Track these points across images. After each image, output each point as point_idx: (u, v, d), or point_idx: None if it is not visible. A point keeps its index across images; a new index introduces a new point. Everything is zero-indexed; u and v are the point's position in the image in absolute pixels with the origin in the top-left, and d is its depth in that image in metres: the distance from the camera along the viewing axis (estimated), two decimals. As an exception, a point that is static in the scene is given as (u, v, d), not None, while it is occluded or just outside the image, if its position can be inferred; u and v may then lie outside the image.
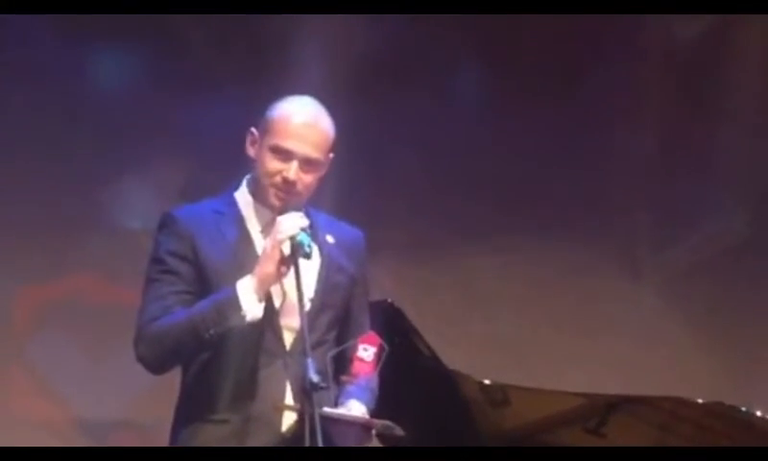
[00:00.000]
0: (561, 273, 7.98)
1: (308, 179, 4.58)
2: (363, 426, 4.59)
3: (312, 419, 4.30)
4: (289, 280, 4.50)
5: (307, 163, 4.56)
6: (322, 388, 4.35)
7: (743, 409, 6.21)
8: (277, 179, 4.54)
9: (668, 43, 8.26)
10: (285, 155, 4.54)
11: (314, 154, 4.57)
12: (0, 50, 7.88)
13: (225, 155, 4.88)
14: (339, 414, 4.49)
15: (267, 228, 4.62)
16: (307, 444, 4.30)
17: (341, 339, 4.72)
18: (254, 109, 4.74)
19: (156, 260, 4.64)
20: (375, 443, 5.10)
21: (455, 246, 7.71)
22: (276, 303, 4.55)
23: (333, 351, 4.58)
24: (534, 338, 7.39)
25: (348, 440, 4.60)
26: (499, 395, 6.33)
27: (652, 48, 8.26)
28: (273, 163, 4.56)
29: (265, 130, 4.61)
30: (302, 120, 4.60)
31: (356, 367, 4.62)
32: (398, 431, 4.63)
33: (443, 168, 7.86)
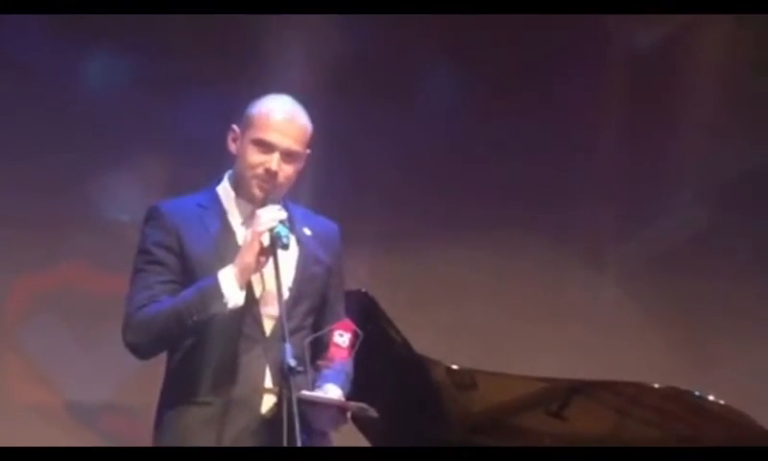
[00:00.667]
0: (527, 264, 8.03)
1: (289, 170, 4.69)
2: (339, 409, 4.67)
3: (290, 401, 4.40)
4: (268, 270, 4.61)
5: (288, 155, 4.67)
6: (299, 372, 4.46)
7: (696, 394, 6.28)
8: (260, 170, 4.65)
9: (630, 49, 8.31)
10: (267, 147, 4.65)
11: (294, 146, 4.70)
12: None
13: (207, 151, 4.94)
14: (316, 397, 4.58)
15: (247, 220, 4.72)
16: (285, 426, 4.37)
17: (317, 326, 4.79)
18: (235, 108, 4.86)
19: (143, 251, 4.74)
20: (350, 424, 5.17)
21: (426, 238, 7.76)
22: (257, 292, 4.64)
23: (310, 337, 4.73)
24: (501, 326, 7.43)
25: (325, 422, 4.71)
26: (467, 379, 6.39)
27: (615, 54, 8.32)
28: (255, 156, 4.67)
29: (247, 125, 4.73)
30: (283, 115, 4.71)
31: (332, 352, 4.69)
32: (372, 413, 4.75)
33: (414, 165, 7.90)
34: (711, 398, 6.30)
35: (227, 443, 4.63)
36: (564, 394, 6.35)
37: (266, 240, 4.53)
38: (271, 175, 4.64)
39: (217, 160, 4.93)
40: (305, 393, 4.47)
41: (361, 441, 4.85)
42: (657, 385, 6.38)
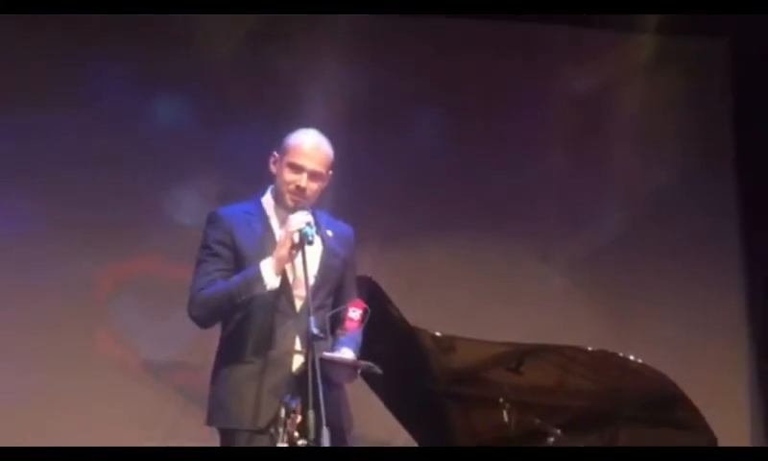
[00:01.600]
0: (493, 257, 8.03)
1: (314, 186, 4.81)
2: (351, 366, 4.77)
3: (314, 361, 4.41)
4: (298, 261, 4.66)
5: (314, 175, 4.79)
6: (321, 339, 4.56)
7: (620, 354, 6.28)
8: (292, 186, 4.78)
9: (569, 92, 8.27)
10: (298, 169, 4.77)
11: (318, 168, 4.80)
12: (87, 95, 7.87)
13: (252, 171, 4.95)
14: (334, 357, 4.70)
15: (283, 223, 4.78)
16: (310, 380, 4.37)
17: (335, 304, 4.89)
18: (274, 139, 4.90)
19: (205, 246, 4.85)
20: (360, 380, 5.16)
21: (416, 238, 7.75)
22: (289, 278, 4.73)
23: (330, 313, 4.85)
24: (473, 304, 7.44)
25: (341, 376, 4.80)
26: (447, 343, 6.39)
27: (558, 95, 8.28)
28: (289, 175, 4.79)
29: (284, 152, 4.84)
30: (311, 145, 4.81)
31: (347, 324, 4.83)
32: (377, 370, 4.86)
33: (408, 181, 7.90)
34: (632, 357, 6.30)
35: (265, 392, 4.67)
36: (519, 354, 6.36)
37: (296, 238, 4.61)
38: (300, 190, 4.76)
39: (258, 178, 4.98)
40: (326, 354, 4.60)
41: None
42: (590, 348, 6.37)
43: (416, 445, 6.60)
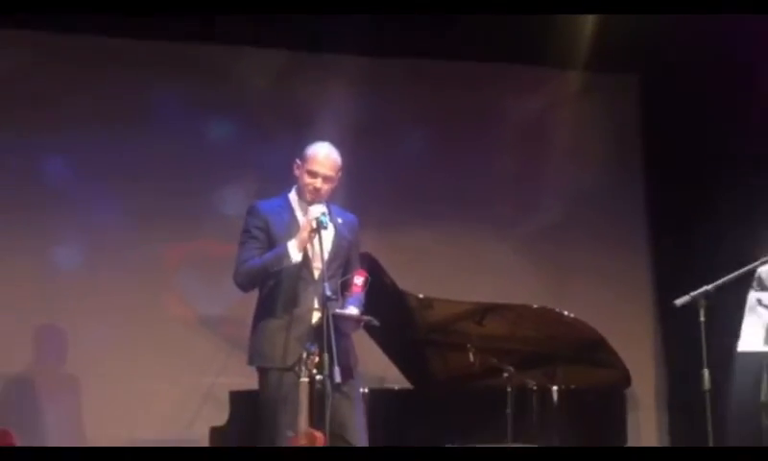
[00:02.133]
0: (462, 238, 7.96)
1: (326, 187, 4.81)
2: (356, 320, 4.78)
3: (328, 316, 4.48)
4: (316, 242, 4.67)
5: (326, 178, 4.79)
6: (333, 300, 4.62)
7: (557, 310, 6.26)
8: (311, 187, 4.78)
9: (522, 107, 8.22)
10: (314, 174, 4.78)
11: (329, 173, 4.80)
12: (155, 117, 7.83)
13: (280, 174, 4.92)
14: (343, 313, 4.76)
15: (305, 213, 4.78)
16: (325, 330, 4.43)
17: (344, 274, 4.87)
18: (296, 150, 4.85)
19: (246, 231, 4.85)
20: (362, 330, 5.15)
21: (405, 224, 7.70)
22: (309, 254, 4.73)
23: (340, 280, 4.79)
24: (446, 273, 7.40)
25: (348, 327, 4.79)
26: (427, 302, 6.40)
27: (511, 112, 8.21)
28: (308, 179, 4.80)
29: (303, 160, 4.84)
30: (324, 154, 4.82)
31: (352, 288, 4.83)
32: (375, 322, 4.92)
33: (400, 183, 7.85)
34: (566, 313, 6.31)
35: (291, 340, 4.66)
36: (482, 311, 6.37)
37: (314, 224, 4.64)
38: (317, 190, 4.78)
39: (284, 179, 4.92)
40: (337, 311, 4.65)
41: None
42: (535, 306, 6.37)
43: (406, 384, 6.64)
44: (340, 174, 4.84)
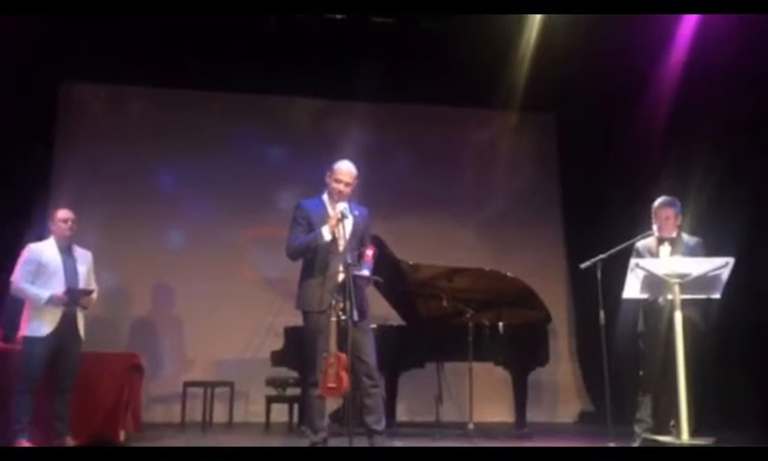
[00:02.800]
0: (439, 225, 7.94)
1: (347, 190, 4.68)
2: (368, 279, 4.62)
3: (350, 276, 4.38)
4: (341, 227, 4.55)
5: (347, 184, 4.66)
6: (352, 265, 4.46)
7: (501, 271, 6.22)
8: (336, 190, 4.64)
9: (476, 140, 8.23)
10: (339, 181, 4.64)
11: (349, 180, 4.67)
12: (233, 146, 7.82)
13: (317, 183, 4.82)
14: (359, 274, 4.57)
15: (333, 208, 4.63)
16: (347, 285, 4.34)
17: (359, 248, 4.69)
18: (327, 166, 4.72)
19: (294, 220, 4.71)
20: (372, 287, 5.05)
21: (400, 215, 7.63)
22: (336, 235, 4.57)
23: (357, 252, 4.66)
24: (428, 248, 7.22)
25: (363, 284, 4.61)
26: (415, 267, 6.39)
27: (470, 140, 8.22)
28: (335, 185, 4.65)
29: (331, 172, 4.67)
30: (346, 167, 4.67)
31: (365, 258, 4.65)
32: (380, 280, 4.77)
33: (396, 188, 7.80)
34: (508, 273, 6.26)
35: (325, 292, 4.51)
36: (451, 272, 6.34)
37: (340, 215, 4.54)
38: (341, 193, 4.63)
39: (320, 185, 4.74)
40: (356, 273, 4.49)
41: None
42: (487, 268, 6.33)
43: (400, 321, 6.60)
44: (356, 181, 4.66)
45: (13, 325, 5.29)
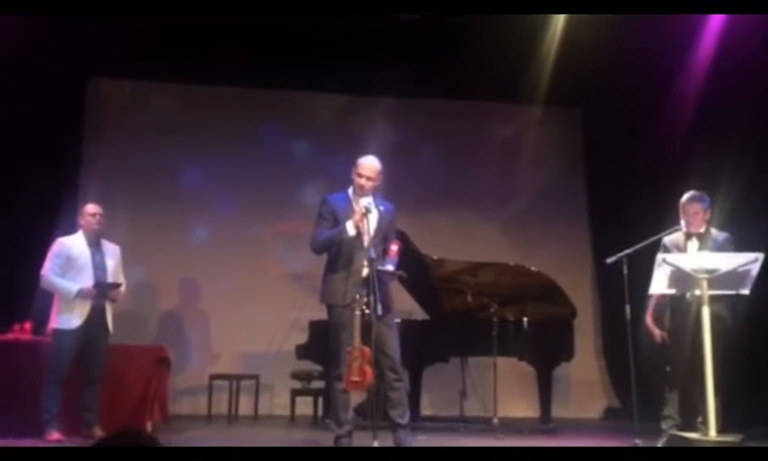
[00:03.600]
0: (463, 220, 7.89)
1: (371, 184, 4.66)
2: (392, 274, 4.58)
3: (374, 271, 4.38)
4: (365, 222, 4.52)
5: (370, 179, 4.63)
6: (376, 260, 4.45)
7: (525, 266, 6.19)
8: (360, 184, 4.58)
9: (500, 130, 8.20)
10: (363, 177, 4.60)
11: (373, 175, 4.64)
12: (256, 143, 7.85)
13: (342, 178, 4.82)
14: (384, 269, 4.55)
15: (357, 203, 4.61)
16: (371, 280, 4.32)
17: (384, 243, 4.66)
18: (352, 162, 4.71)
19: (320, 214, 4.70)
20: (397, 283, 5.00)
21: (425, 210, 7.57)
22: (362, 230, 4.54)
23: (381, 247, 4.64)
24: (453, 243, 7.18)
25: (387, 278, 4.58)
26: (439, 262, 6.37)
27: (494, 134, 8.20)
28: (359, 180, 4.63)
29: (357, 167, 4.63)
30: (369, 163, 4.65)
31: (391, 253, 4.62)
32: (404, 275, 4.73)
33: (421, 184, 7.76)
34: (532, 268, 6.24)
35: (349, 286, 4.48)
36: (476, 267, 6.34)
37: (364, 210, 4.52)
38: (366, 187, 4.61)
39: (346, 180, 4.73)
40: (380, 268, 4.47)
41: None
42: (512, 263, 6.31)
43: (424, 315, 6.60)
44: (381, 176, 4.62)
45: (43, 318, 5.39)
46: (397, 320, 4.87)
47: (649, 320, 5.13)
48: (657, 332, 5.08)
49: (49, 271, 5.17)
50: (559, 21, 6.42)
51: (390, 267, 4.56)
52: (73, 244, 5.25)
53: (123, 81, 7.79)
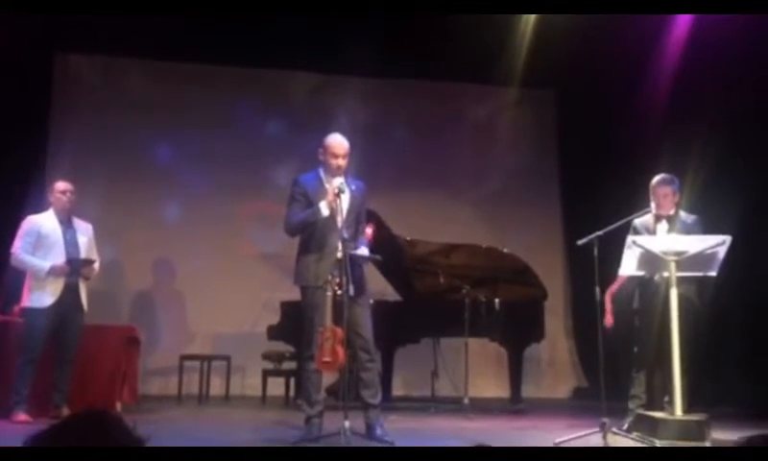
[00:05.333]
0: (436, 200, 7.96)
1: (344, 163, 4.56)
2: (368, 258, 4.60)
3: (346, 254, 4.36)
4: (338, 203, 4.47)
5: (342, 157, 4.54)
6: (349, 241, 4.41)
7: (498, 247, 6.22)
8: (334, 165, 4.54)
9: (474, 111, 8.21)
10: (336, 155, 4.54)
11: (345, 153, 4.55)
12: (230, 122, 7.78)
13: (314, 158, 4.77)
14: (357, 253, 4.53)
15: (329, 183, 4.56)
16: (344, 263, 4.30)
17: (357, 224, 4.64)
18: (319, 138, 4.65)
19: (292, 196, 4.64)
20: (371, 264, 5.00)
21: (397, 191, 7.57)
22: (335, 210, 4.49)
23: (354, 227, 4.62)
24: (426, 223, 7.22)
25: (361, 261, 4.57)
26: (412, 243, 6.40)
27: (467, 115, 8.20)
28: (332, 160, 4.55)
29: (326, 147, 4.56)
30: (340, 141, 4.57)
31: (365, 235, 4.62)
32: (379, 258, 4.74)
33: (393, 163, 7.81)
34: (505, 249, 6.28)
35: (322, 267, 4.44)
36: (448, 248, 6.38)
37: (337, 191, 4.47)
38: (338, 166, 4.54)
39: (317, 160, 4.64)
40: (353, 251, 4.44)
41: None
42: (484, 245, 6.35)
43: (396, 296, 6.62)
44: (349, 156, 4.57)
45: (12, 297, 5.32)
46: (371, 301, 4.87)
47: (607, 299, 5.20)
48: (609, 317, 5.15)
49: (19, 249, 5.10)
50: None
51: (364, 250, 4.55)
52: (43, 222, 5.18)
53: (93, 56, 7.68)
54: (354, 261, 4.44)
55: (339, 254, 4.42)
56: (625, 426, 4.69)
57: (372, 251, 4.69)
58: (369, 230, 4.62)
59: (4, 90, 6.57)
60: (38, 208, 5.35)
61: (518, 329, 6.13)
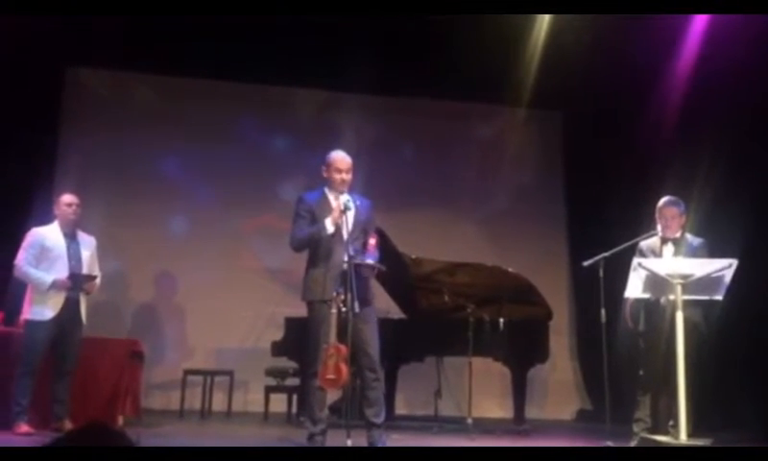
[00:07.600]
0: (440, 219, 7.97)
1: (348, 178, 4.56)
2: (371, 267, 4.52)
3: (352, 265, 4.32)
4: (344, 219, 4.46)
5: (347, 172, 4.54)
6: (354, 257, 4.39)
7: (502, 267, 6.19)
8: (339, 180, 4.54)
9: (478, 135, 8.21)
10: (340, 171, 4.54)
11: (349, 168, 4.57)
12: (235, 137, 7.79)
13: (317, 173, 4.76)
14: (363, 262, 4.47)
15: (336, 200, 4.55)
16: (350, 274, 4.28)
17: (363, 239, 4.60)
18: (323, 155, 4.65)
19: (297, 213, 4.63)
20: (376, 282, 5.01)
21: (404, 209, 7.59)
22: (341, 226, 4.48)
23: (360, 242, 4.57)
24: (430, 242, 7.25)
25: (366, 273, 4.53)
26: (417, 260, 6.36)
27: (474, 134, 8.22)
28: (336, 175, 4.54)
29: (329, 163, 4.57)
30: (342, 157, 4.57)
31: (369, 248, 4.57)
32: (384, 268, 4.64)
33: (398, 180, 7.81)
34: (510, 269, 6.24)
35: (328, 282, 4.42)
36: (453, 267, 6.31)
37: (342, 207, 4.47)
38: (343, 182, 4.55)
39: (320, 176, 4.65)
40: (359, 261, 4.43)
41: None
42: (489, 264, 6.31)
43: (401, 314, 6.59)
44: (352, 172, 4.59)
45: (16, 308, 5.31)
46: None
47: (627, 316, 5.16)
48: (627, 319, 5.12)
49: (23, 261, 5.10)
50: (543, 21, 6.44)
51: (369, 261, 4.52)
52: (48, 234, 5.18)
53: (102, 71, 7.72)
54: (360, 273, 4.43)
55: (344, 267, 4.38)
56: (629, 450, 4.65)
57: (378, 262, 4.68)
58: (372, 241, 4.59)
59: (16, 102, 6.62)
60: (44, 221, 5.36)
61: (523, 349, 6.08)
